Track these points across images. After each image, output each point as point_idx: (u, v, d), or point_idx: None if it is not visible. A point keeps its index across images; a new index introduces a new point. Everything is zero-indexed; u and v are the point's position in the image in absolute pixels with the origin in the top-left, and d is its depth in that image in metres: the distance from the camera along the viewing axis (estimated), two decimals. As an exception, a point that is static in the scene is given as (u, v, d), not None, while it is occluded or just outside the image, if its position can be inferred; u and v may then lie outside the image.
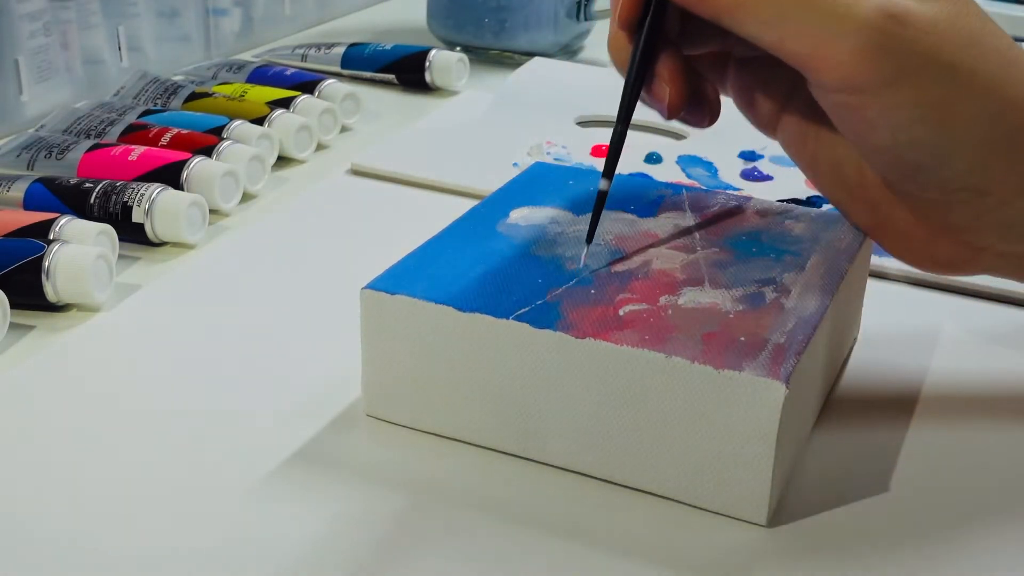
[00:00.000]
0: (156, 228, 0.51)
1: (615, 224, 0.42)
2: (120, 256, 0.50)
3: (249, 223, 0.55)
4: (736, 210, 0.44)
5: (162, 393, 0.41)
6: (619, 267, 0.39)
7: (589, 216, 0.40)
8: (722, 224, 0.43)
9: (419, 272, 0.38)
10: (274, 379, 0.42)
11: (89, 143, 0.56)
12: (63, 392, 0.41)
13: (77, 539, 0.34)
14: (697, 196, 0.45)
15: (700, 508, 0.35)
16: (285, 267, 0.51)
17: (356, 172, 0.60)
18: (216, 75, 0.69)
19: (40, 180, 0.52)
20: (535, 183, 0.46)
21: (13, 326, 0.44)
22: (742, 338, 0.35)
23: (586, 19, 0.80)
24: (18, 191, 0.52)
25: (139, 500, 0.35)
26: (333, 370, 0.42)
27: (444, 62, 0.73)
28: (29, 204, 0.51)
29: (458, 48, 0.79)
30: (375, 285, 0.38)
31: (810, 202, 0.56)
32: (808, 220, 0.43)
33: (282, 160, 0.61)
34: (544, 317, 0.35)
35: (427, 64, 0.73)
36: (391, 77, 0.74)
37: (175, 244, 0.52)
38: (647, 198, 0.45)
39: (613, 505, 0.35)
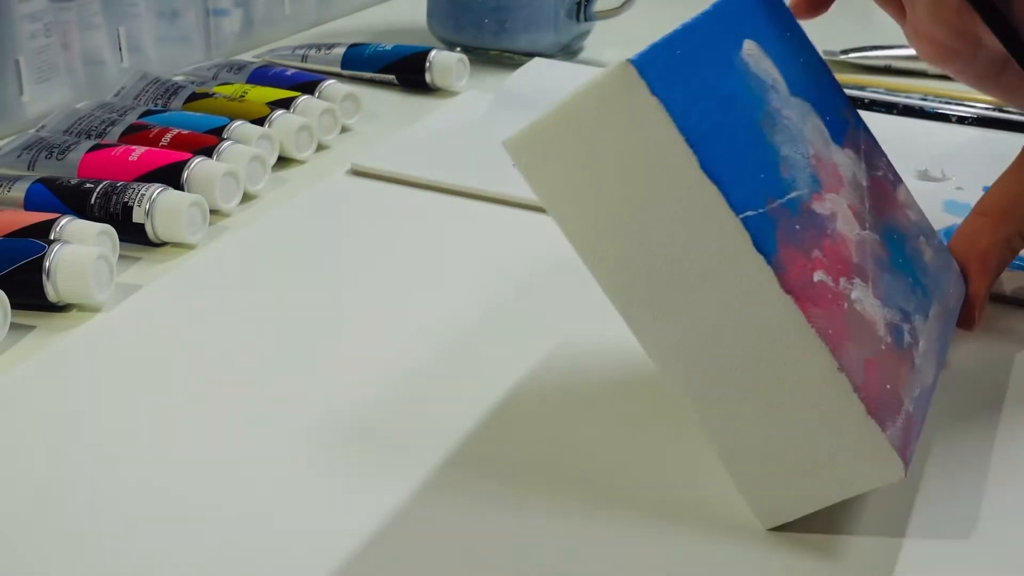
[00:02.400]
0: (157, 228, 0.51)
1: (814, 132, 0.36)
2: (121, 256, 0.50)
3: (249, 223, 0.55)
4: (892, 190, 0.39)
5: (162, 393, 0.41)
6: (817, 206, 0.34)
7: (800, 102, 0.35)
8: (882, 203, 0.38)
9: (677, 76, 0.31)
10: (274, 380, 0.42)
11: (90, 143, 0.56)
12: (64, 392, 0.41)
13: (77, 539, 0.34)
14: (870, 146, 0.40)
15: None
16: (285, 268, 0.51)
17: (356, 172, 0.60)
18: (216, 75, 0.69)
19: (41, 180, 0.52)
20: (759, 9, 0.38)
21: (14, 326, 0.44)
22: (888, 385, 0.32)
23: (586, 19, 0.80)
24: (19, 191, 0.52)
25: (139, 500, 0.35)
26: (333, 371, 0.42)
27: (444, 62, 0.73)
28: (30, 204, 0.51)
29: (458, 48, 0.79)
30: (642, 63, 0.30)
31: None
32: (934, 249, 0.40)
33: (282, 160, 0.61)
34: (764, 236, 0.31)
35: (427, 64, 0.73)
36: (391, 77, 0.74)
37: (176, 244, 0.52)
38: (838, 112, 0.38)
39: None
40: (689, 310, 0.32)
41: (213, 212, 0.54)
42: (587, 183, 0.32)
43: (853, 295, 0.33)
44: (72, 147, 0.56)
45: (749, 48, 0.35)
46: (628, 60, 0.30)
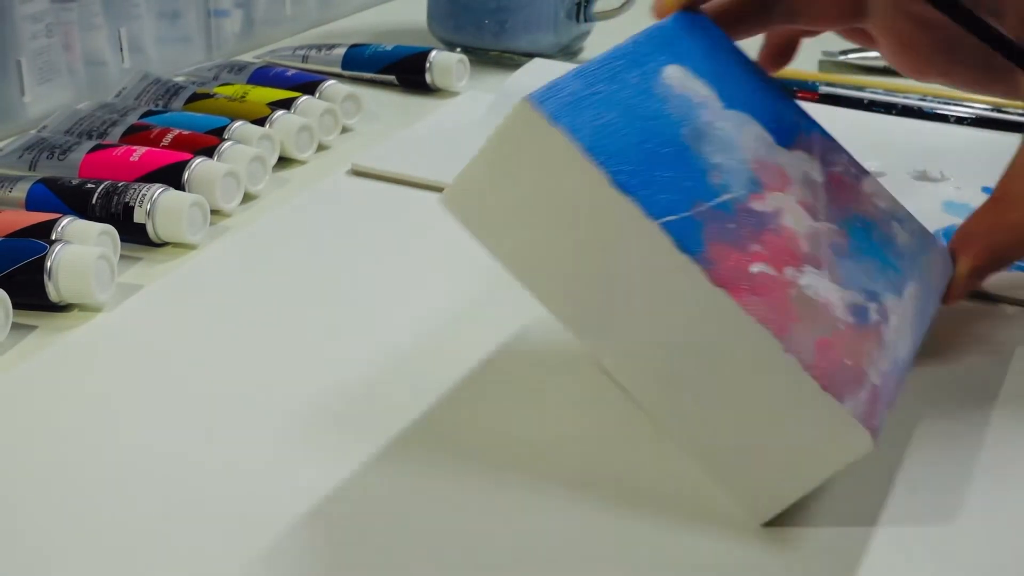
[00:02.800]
0: (158, 228, 0.51)
1: (755, 142, 0.39)
2: (122, 256, 0.50)
3: (250, 223, 0.55)
4: (855, 183, 0.41)
5: (163, 393, 0.41)
6: (756, 204, 0.36)
7: (736, 114, 0.38)
8: (842, 195, 0.40)
9: (581, 103, 0.34)
10: (274, 380, 0.42)
11: (91, 144, 0.56)
12: (65, 392, 0.41)
13: (77, 539, 0.34)
14: (825, 145, 0.42)
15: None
16: (286, 268, 0.51)
17: (357, 173, 0.61)
18: (217, 76, 0.69)
19: (42, 181, 0.52)
20: (684, 38, 0.40)
21: (15, 326, 0.44)
22: (847, 361, 0.33)
23: (586, 20, 0.80)
24: (20, 192, 0.52)
25: (138, 501, 0.35)
26: (333, 371, 0.42)
27: (444, 63, 0.73)
28: (31, 205, 0.51)
29: (458, 49, 0.79)
30: (540, 99, 0.33)
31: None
32: (911, 232, 0.41)
33: (283, 161, 0.61)
34: (688, 237, 0.33)
35: (428, 65, 0.73)
36: (392, 78, 0.74)
37: (176, 244, 0.52)
38: (785, 120, 0.41)
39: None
40: (635, 322, 0.34)
41: (214, 212, 0.54)
42: (516, 221, 0.34)
43: (803, 281, 0.34)
44: (73, 147, 0.56)
45: (671, 72, 0.38)
46: (524, 98, 0.33)
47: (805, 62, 0.80)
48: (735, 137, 0.38)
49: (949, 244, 0.44)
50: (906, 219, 0.41)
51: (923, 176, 0.60)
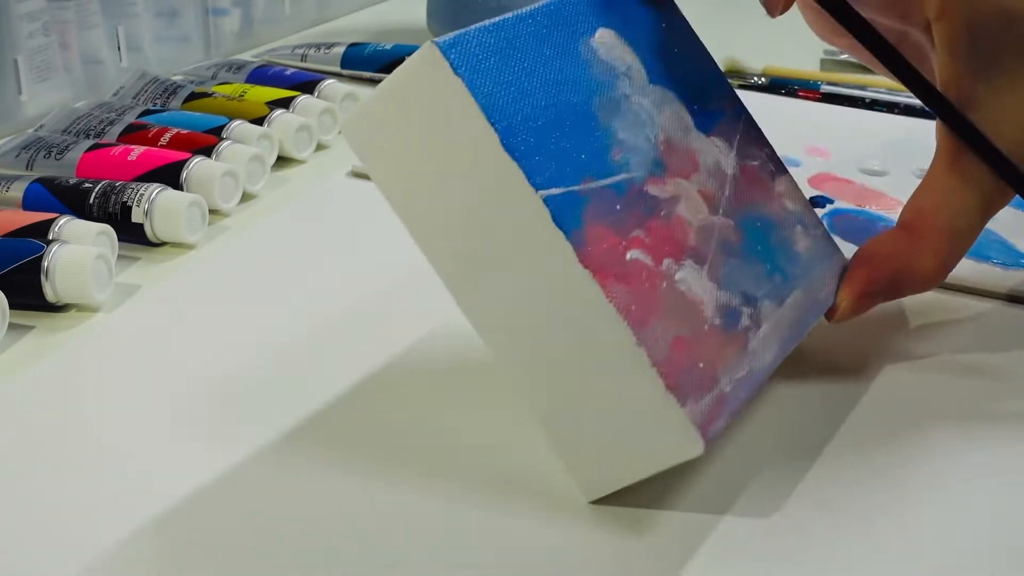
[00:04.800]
0: (156, 228, 0.51)
1: (671, 122, 0.38)
2: (119, 256, 0.50)
3: (249, 223, 0.54)
4: (768, 180, 0.40)
5: (161, 394, 0.41)
6: (652, 188, 0.35)
7: (659, 90, 0.37)
8: (751, 191, 0.39)
9: (489, 56, 0.33)
10: (274, 381, 0.42)
11: (88, 143, 0.56)
12: (63, 392, 0.41)
13: (76, 538, 0.33)
14: (748, 136, 0.41)
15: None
16: (285, 267, 0.51)
17: (356, 173, 0.60)
18: (216, 75, 0.69)
19: (39, 180, 0.52)
20: (625, 2, 0.39)
21: (12, 326, 0.44)
22: (700, 364, 0.33)
23: (586, 19, 0.80)
24: (17, 191, 0.52)
25: (137, 502, 0.35)
26: (333, 372, 0.42)
27: (444, 62, 0.72)
28: (28, 204, 0.51)
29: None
30: (447, 48, 0.32)
31: (814, 201, 0.56)
32: (812, 239, 0.41)
33: (282, 160, 0.61)
34: (567, 213, 0.32)
35: (427, 64, 0.72)
36: (391, 77, 0.74)
37: (175, 244, 0.52)
38: (711, 104, 0.40)
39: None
40: (500, 283, 0.33)
41: (212, 212, 0.54)
42: (405, 159, 0.34)
43: (678, 276, 0.34)
44: (71, 147, 0.56)
45: (602, 36, 0.37)
46: (432, 41, 0.32)
47: (807, 61, 0.80)
48: (651, 114, 0.37)
49: (851, 259, 0.42)
50: (812, 225, 0.41)
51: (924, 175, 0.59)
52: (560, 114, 0.34)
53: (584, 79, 0.35)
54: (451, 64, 0.32)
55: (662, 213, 0.35)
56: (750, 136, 0.41)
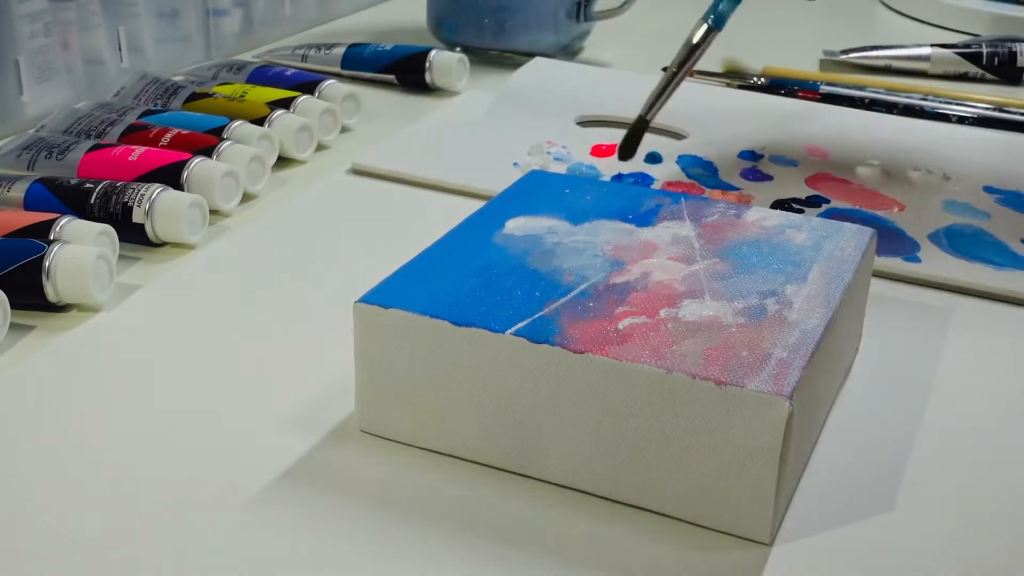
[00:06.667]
0: (156, 228, 0.51)
1: (613, 234, 0.42)
2: (120, 256, 0.50)
3: (249, 223, 0.55)
4: (735, 219, 0.43)
5: (161, 394, 0.41)
6: (618, 279, 0.38)
7: (587, 225, 0.41)
8: (722, 234, 0.42)
9: (414, 285, 0.38)
10: (273, 382, 0.42)
11: (89, 143, 0.56)
12: (63, 392, 0.41)
13: (76, 538, 0.34)
14: (696, 204, 0.45)
15: (702, 527, 0.35)
16: (285, 268, 0.51)
17: (356, 172, 0.60)
18: (216, 75, 0.69)
19: (40, 180, 0.52)
20: (531, 192, 0.45)
21: (13, 326, 0.44)
22: (744, 352, 0.34)
23: (586, 19, 0.80)
24: (18, 191, 0.52)
25: (136, 502, 0.35)
26: (333, 373, 0.42)
27: (444, 63, 0.73)
28: (29, 204, 0.51)
29: (458, 49, 0.79)
30: (369, 299, 0.37)
31: (810, 201, 0.56)
32: (809, 229, 0.43)
33: (282, 160, 0.61)
34: (542, 331, 0.35)
35: (427, 65, 0.73)
36: (391, 77, 0.74)
37: (175, 244, 0.52)
38: (644, 206, 0.44)
39: (614, 522, 0.35)
40: (545, 422, 0.35)
41: (213, 212, 0.54)
42: (421, 402, 0.37)
43: (680, 313, 0.36)
44: (72, 147, 0.56)
45: (512, 224, 0.42)
46: (355, 302, 0.37)
47: (806, 61, 0.80)
48: (589, 241, 0.41)
49: None
50: (801, 223, 0.43)
51: (924, 175, 0.60)
52: (497, 281, 0.38)
53: (509, 257, 0.40)
54: (381, 305, 0.36)
55: (638, 288, 0.38)
56: (696, 205, 0.44)
